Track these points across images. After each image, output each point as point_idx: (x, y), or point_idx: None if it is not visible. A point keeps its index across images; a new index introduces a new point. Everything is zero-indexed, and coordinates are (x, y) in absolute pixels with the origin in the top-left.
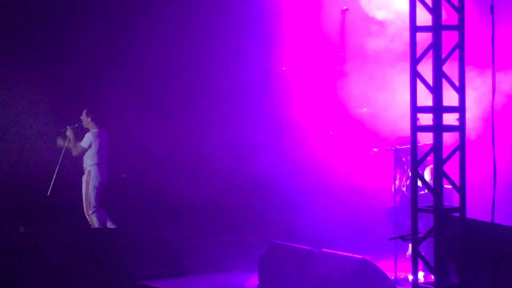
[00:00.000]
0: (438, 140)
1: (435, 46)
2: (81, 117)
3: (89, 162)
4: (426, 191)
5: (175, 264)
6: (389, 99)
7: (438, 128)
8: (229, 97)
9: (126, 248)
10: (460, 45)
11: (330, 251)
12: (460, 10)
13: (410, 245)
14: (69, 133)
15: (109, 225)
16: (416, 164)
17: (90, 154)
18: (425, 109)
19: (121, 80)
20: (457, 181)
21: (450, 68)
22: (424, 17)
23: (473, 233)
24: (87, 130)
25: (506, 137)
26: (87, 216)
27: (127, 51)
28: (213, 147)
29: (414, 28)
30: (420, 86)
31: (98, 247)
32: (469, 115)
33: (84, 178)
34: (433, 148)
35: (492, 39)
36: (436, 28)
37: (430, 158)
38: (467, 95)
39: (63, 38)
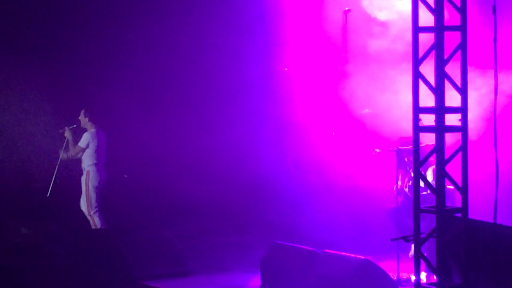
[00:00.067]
0: (440, 140)
1: (438, 46)
2: (79, 117)
3: (87, 162)
4: (428, 191)
5: (177, 265)
6: (391, 99)
7: (440, 129)
8: (231, 98)
9: (127, 249)
10: (462, 46)
11: (332, 251)
12: (462, 10)
13: (412, 246)
14: (67, 134)
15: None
16: (419, 165)
17: (88, 154)
18: (427, 110)
19: (122, 80)
20: (459, 181)
21: (452, 69)
22: (426, 18)
23: (476, 233)
24: (85, 130)
25: (507, 137)
26: (89, 217)
27: (129, 52)
28: (215, 147)
29: (416, 29)
30: (421, 86)
31: (100, 247)
32: (470, 115)
33: (83, 178)
34: (436, 148)
35: (495, 40)
36: (439, 28)
37: (432, 158)
38: (468, 96)
39: (65, 38)
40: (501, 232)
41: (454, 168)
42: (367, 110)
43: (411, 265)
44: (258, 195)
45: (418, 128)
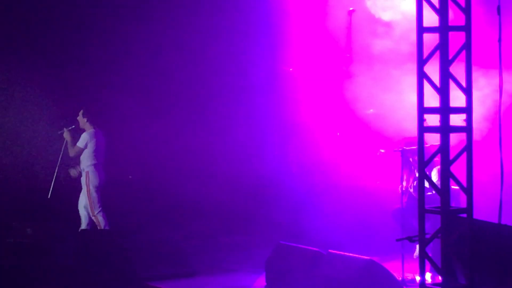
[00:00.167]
0: (445, 141)
1: (442, 47)
2: (78, 118)
3: (86, 163)
4: (433, 192)
5: (181, 265)
6: (395, 100)
7: (445, 129)
8: (236, 98)
9: (132, 249)
10: (467, 46)
11: (337, 252)
12: (467, 10)
13: (417, 246)
14: (66, 135)
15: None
16: (423, 165)
17: (87, 154)
18: (432, 110)
19: (126, 81)
20: (464, 182)
21: (456, 69)
22: (430, 18)
23: (481, 234)
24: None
25: (511, 137)
26: (93, 217)
27: (133, 53)
28: (220, 148)
29: (421, 29)
30: (425, 87)
31: (105, 248)
32: (473, 115)
33: (83, 180)
34: (440, 149)
35: (499, 40)
36: (443, 29)
37: (437, 159)
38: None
39: (68, 39)
40: (506, 233)
41: (458, 169)
42: (371, 110)
43: (416, 265)
44: (263, 195)
45: (423, 129)
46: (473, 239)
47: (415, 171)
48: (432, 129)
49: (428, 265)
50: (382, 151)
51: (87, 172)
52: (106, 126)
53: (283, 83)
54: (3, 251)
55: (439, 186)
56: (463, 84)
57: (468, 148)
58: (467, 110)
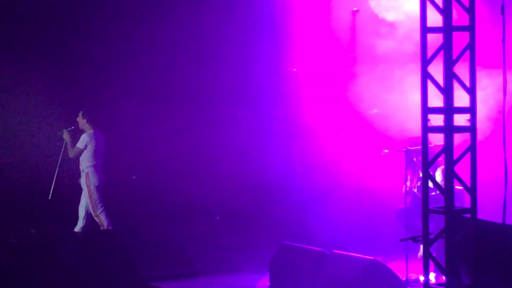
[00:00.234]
0: (449, 141)
1: (446, 47)
2: (77, 119)
3: (85, 164)
4: (437, 192)
5: (185, 266)
6: (399, 100)
7: (449, 129)
8: (240, 99)
9: (136, 250)
10: (470, 46)
11: (341, 252)
12: (470, 11)
13: (421, 246)
14: (65, 136)
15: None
16: (427, 165)
17: (87, 155)
18: (436, 110)
19: (129, 82)
20: (468, 182)
21: (459, 69)
22: (434, 18)
23: (485, 234)
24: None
25: None
26: (95, 218)
27: (136, 53)
28: (223, 148)
29: (425, 29)
30: (429, 87)
31: (109, 248)
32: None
33: (83, 181)
34: (444, 149)
35: (503, 40)
36: (447, 29)
37: (441, 159)
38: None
39: (71, 40)
40: (510, 233)
41: (462, 169)
42: (375, 110)
43: (420, 265)
44: (266, 196)
45: (426, 129)
46: (477, 239)
47: (419, 171)
48: (436, 129)
49: (432, 265)
50: (386, 151)
51: (87, 173)
52: (109, 127)
53: (287, 83)
54: (7, 252)
55: (443, 186)
56: (467, 84)
57: (472, 148)
58: (471, 110)
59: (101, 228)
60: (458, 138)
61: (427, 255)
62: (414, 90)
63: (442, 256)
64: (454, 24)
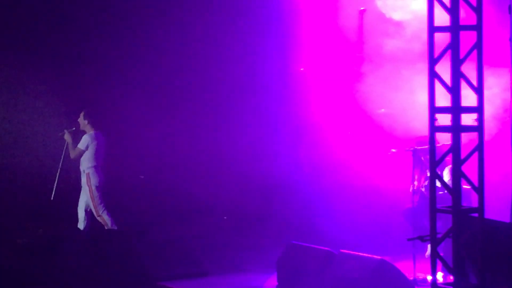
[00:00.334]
0: (456, 140)
1: (453, 46)
2: (79, 120)
3: (86, 164)
4: (445, 191)
5: (193, 265)
6: (406, 99)
7: (456, 129)
8: (247, 98)
9: (144, 250)
10: (478, 46)
11: (349, 251)
12: (478, 10)
13: (429, 246)
14: (67, 136)
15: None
16: (435, 165)
17: (87, 156)
18: (443, 110)
19: (136, 82)
20: (475, 181)
21: (465, 68)
22: (442, 17)
23: (492, 233)
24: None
25: None
26: (98, 218)
27: (145, 54)
28: (231, 147)
29: (432, 29)
30: (436, 86)
31: (117, 248)
32: None
33: (84, 181)
34: (452, 148)
35: (510, 39)
36: (454, 28)
37: (449, 158)
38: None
39: (76, 40)
40: None
41: (470, 168)
42: (383, 110)
43: (428, 265)
44: (274, 195)
45: (434, 128)
46: (484, 238)
47: (427, 170)
48: (443, 129)
49: (439, 264)
50: (394, 150)
51: (88, 174)
52: (117, 127)
53: (294, 83)
54: (15, 252)
55: (450, 186)
56: (474, 83)
57: (479, 147)
58: (478, 109)
59: (106, 228)
60: (463, 137)
61: (434, 255)
62: (421, 90)
63: (450, 256)
64: (461, 23)
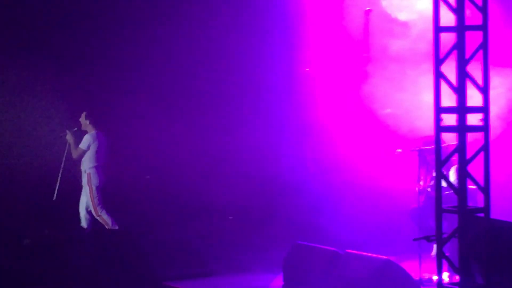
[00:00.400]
0: (462, 140)
1: (459, 46)
2: (80, 119)
3: (87, 164)
4: (451, 191)
5: (198, 265)
6: (412, 99)
7: (462, 129)
8: (253, 98)
9: (149, 249)
10: (484, 46)
11: (354, 251)
12: (483, 10)
13: (434, 246)
14: (68, 137)
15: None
16: (440, 165)
17: (89, 156)
18: (449, 110)
19: (139, 81)
20: (481, 181)
21: (471, 68)
22: (447, 18)
23: (498, 233)
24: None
25: None
26: (98, 218)
27: (148, 53)
28: (236, 148)
29: (438, 29)
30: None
31: (121, 248)
32: None
33: (85, 181)
34: (457, 148)
35: None
36: (460, 28)
37: (454, 158)
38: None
39: (77, 40)
40: None
41: (476, 168)
42: (389, 110)
43: (433, 265)
44: (279, 195)
45: (439, 128)
46: (490, 238)
47: (432, 170)
48: (449, 129)
49: (445, 264)
50: (399, 150)
51: (89, 174)
52: (121, 127)
53: (300, 83)
54: (19, 252)
55: (456, 186)
56: (480, 83)
57: (485, 147)
58: (484, 109)
59: (106, 227)
60: (469, 137)
61: (440, 255)
62: (427, 90)
63: (456, 256)
64: (467, 23)
